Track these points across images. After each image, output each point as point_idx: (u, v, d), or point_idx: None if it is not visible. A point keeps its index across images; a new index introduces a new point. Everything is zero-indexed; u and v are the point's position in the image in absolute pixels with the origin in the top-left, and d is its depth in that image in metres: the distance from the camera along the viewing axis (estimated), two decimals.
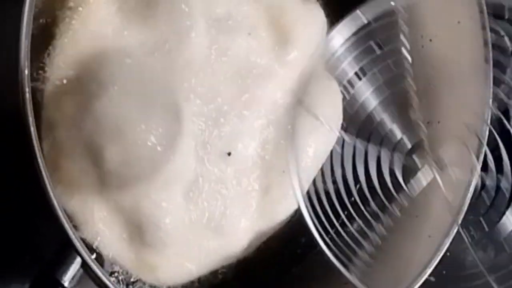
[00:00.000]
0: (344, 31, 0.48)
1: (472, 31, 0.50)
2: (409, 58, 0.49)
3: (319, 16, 0.54)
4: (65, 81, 0.47)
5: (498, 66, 0.57)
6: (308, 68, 0.52)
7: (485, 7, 0.49)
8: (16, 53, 0.38)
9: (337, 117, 0.54)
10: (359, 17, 0.48)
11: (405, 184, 0.46)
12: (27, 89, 0.38)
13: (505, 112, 0.52)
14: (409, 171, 0.49)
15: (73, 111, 0.46)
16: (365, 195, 0.46)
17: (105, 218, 0.47)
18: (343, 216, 0.45)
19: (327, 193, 0.46)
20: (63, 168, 0.46)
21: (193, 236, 0.49)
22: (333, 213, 0.43)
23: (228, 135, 0.50)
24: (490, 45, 0.49)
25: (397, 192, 0.46)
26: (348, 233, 0.44)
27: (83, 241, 0.44)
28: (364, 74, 0.52)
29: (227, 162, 0.50)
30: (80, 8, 0.48)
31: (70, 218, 0.45)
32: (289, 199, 0.51)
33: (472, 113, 0.48)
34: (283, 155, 0.51)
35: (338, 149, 0.46)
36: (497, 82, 0.50)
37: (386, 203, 0.46)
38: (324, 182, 0.46)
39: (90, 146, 0.45)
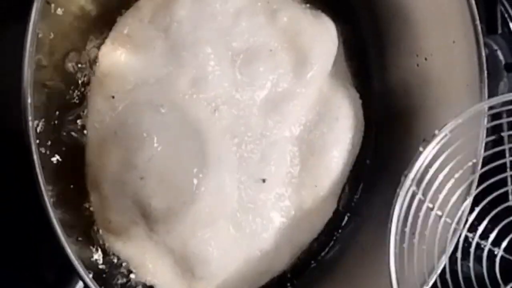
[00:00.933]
0: None
1: (466, 50, 0.51)
2: None
3: (332, 29, 0.56)
4: (103, 139, 0.49)
5: (492, 79, 0.57)
6: None
7: (479, 27, 0.50)
8: (18, 83, 0.38)
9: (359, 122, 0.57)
10: None
11: None
12: (29, 118, 0.39)
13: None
14: None
15: (117, 167, 0.48)
16: None
17: (157, 260, 0.50)
18: None
19: None
20: (113, 220, 0.49)
21: (240, 259, 0.52)
22: None
23: (261, 161, 0.53)
24: (484, 65, 0.49)
25: None
26: None
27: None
28: None
29: (263, 187, 0.53)
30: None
31: (126, 262, 0.50)
32: (324, 211, 0.55)
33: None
34: (312, 170, 0.54)
35: None
36: (490, 95, 0.51)
37: None
38: None
39: (136, 198, 0.48)
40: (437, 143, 0.45)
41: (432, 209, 0.46)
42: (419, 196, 0.44)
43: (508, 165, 0.50)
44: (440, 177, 0.45)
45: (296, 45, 0.54)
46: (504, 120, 0.49)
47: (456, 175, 0.46)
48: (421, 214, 0.45)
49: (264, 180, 0.53)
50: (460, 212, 0.47)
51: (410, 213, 0.44)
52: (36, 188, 0.39)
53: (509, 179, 0.49)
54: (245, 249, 0.52)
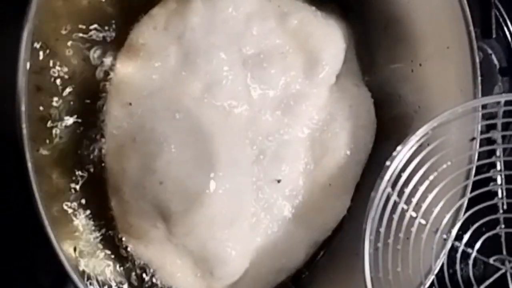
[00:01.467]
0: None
1: (460, 55, 0.51)
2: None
3: (341, 30, 0.57)
4: (122, 145, 0.50)
5: (486, 83, 0.57)
6: None
7: (473, 33, 0.50)
8: (13, 89, 0.38)
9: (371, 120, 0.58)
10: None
11: None
12: (24, 125, 0.39)
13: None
14: None
15: (136, 172, 0.49)
16: None
17: (177, 261, 0.52)
18: None
19: None
20: (134, 224, 0.50)
21: (257, 258, 0.54)
22: None
23: (275, 161, 0.54)
24: (478, 70, 0.50)
25: None
26: None
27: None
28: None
29: (278, 187, 0.54)
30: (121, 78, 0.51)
31: (146, 264, 0.52)
32: (337, 208, 0.56)
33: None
34: (325, 170, 0.55)
35: None
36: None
37: None
38: None
39: (156, 202, 0.49)
40: (411, 147, 0.47)
41: (415, 217, 0.47)
42: (394, 198, 0.46)
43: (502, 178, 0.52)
44: (425, 182, 0.47)
45: (307, 47, 0.55)
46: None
47: (443, 182, 0.47)
48: (396, 215, 0.46)
49: (279, 181, 0.54)
50: (444, 221, 0.49)
51: (385, 215, 0.45)
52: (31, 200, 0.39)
53: (500, 191, 0.50)
54: (262, 247, 0.54)
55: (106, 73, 0.51)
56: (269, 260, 0.54)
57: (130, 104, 0.50)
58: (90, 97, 0.50)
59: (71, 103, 0.48)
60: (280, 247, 0.55)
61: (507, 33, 0.66)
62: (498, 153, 0.52)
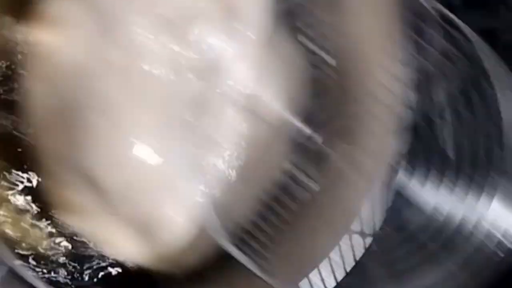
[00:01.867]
0: None
1: None
2: None
3: None
4: (45, 120, 0.50)
5: None
6: None
7: None
8: None
9: None
10: None
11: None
12: None
13: None
14: None
15: (62, 147, 0.49)
16: None
17: (116, 231, 0.51)
18: None
19: None
20: (68, 198, 0.50)
21: (203, 221, 0.52)
22: None
23: (209, 124, 0.53)
24: None
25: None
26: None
27: None
28: None
29: (211, 148, 0.53)
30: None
31: (84, 237, 0.52)
32: None
33: None
34: (259, 146, 0.54)
35: None
36: None
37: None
38: None
39: (86, 174, 0.49)
40: None
41: None
42: None
43: None
44: None
45: (227, 2, 0.53)
46: None
47: None
48: None
49: (215, 142, 0.53)
50: None
51: None
52: None
53: None
54: (206, 209, 0.53)
55: (20, 47, 0.50)
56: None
57: (49, 78, 0.49)
58: (6, 72, 0.50)
59: None
60: (225, 207, 0.54)
61: None
62: None
